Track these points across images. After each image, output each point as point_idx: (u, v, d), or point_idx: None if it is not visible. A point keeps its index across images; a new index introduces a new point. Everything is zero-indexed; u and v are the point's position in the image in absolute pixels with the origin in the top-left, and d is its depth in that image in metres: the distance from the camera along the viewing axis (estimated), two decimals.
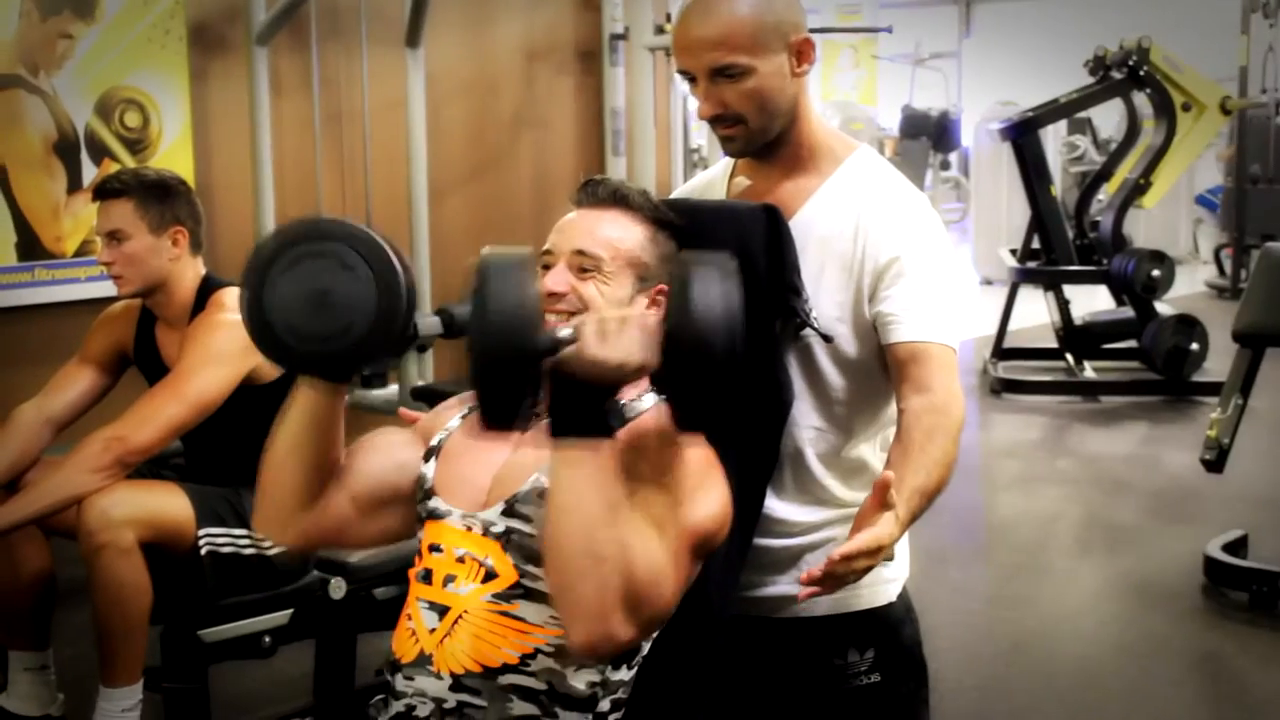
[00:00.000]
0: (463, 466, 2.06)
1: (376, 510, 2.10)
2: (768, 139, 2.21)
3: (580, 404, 1.76)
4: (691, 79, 2.20)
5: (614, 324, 1.74)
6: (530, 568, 1.92)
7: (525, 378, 1.72)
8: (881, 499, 1.90)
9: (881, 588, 2.28)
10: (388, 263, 1.87)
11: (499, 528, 1.96)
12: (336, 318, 1.86)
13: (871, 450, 2.29)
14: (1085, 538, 6.02)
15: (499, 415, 1.75)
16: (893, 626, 2.30)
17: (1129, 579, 5.34)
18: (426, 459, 2.10)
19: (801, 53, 2.19)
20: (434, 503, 2.05)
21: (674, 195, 2.48)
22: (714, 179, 2.41)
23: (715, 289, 1.73)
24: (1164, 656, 4.59)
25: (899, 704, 2.31)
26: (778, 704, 2.34)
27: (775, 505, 2.25)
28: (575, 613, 1.75)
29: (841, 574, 1.88)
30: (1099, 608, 5.14)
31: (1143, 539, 5.86)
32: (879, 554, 1.90)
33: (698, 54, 2.16)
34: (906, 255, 2.16)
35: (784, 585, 2.26)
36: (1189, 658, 4.64)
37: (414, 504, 2.10)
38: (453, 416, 2.15)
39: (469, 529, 1.98)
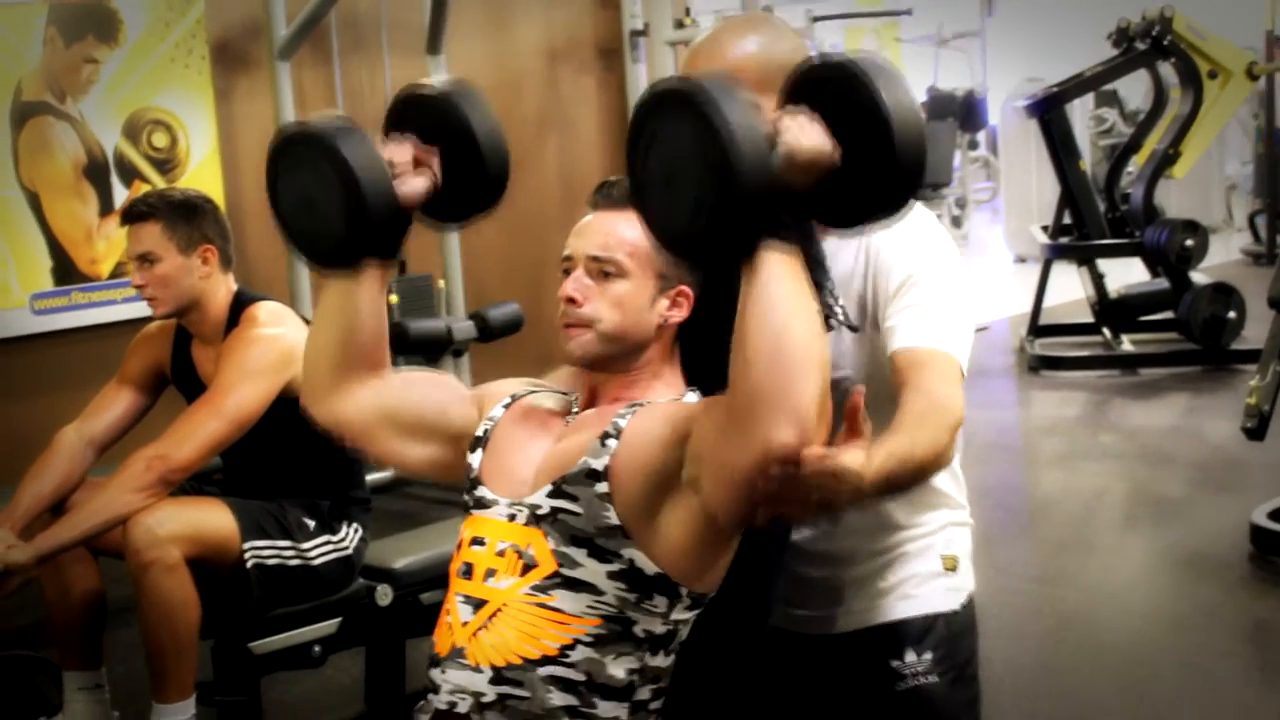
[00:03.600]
0: (509, 456, 2.08)
1: (402, 434, 2.16)
2: None
3: (788, 209, 1.77)
4: None
5: (804, 120, 1.75)
6: (570, 551, 1.94)
7: (767, 185, 1.72)
8: (853, 423, 1.72)
9: (944, 595, 2.28)
10: (344, 164, 1.97)
11: (545, 509, 1.97)
12: (324, 220, 2.03)
13: None
14: (1130, 512, 6.00)
15: (741, 229, 1.75)
16: (954, 635, 2.28)
17: (1176, 551, 5.32)
18: (473, 449, 2.13)
19: None
20: (480, 491, 2.07)
21: None
22: None
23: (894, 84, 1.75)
24: (1214, 627, 4.57)
25: (953, 709, 2.29)
26: (831, 710, 2.34)
27: (835, 539, 2.24)
28: (794, 412, 1.69)
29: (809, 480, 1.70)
30: (1146, 581, 5.13)
31: (1188, 510, 5.84)
32: (841, 480, 1.68)
33: None
34: (915, 273, 2.14)
35: (842, 607, 2.27)
36: (1240, 628, 4.62)
37: (445, 448, 2.16)
38: (496, 405, 2.18)
39: (512, 518, 2.00)
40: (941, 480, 2.27)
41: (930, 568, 2.27)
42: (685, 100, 1.71)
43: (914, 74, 18.34)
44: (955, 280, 2.17)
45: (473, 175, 2.11)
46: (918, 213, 2.24)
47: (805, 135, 1.73)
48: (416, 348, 5.69)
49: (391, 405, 2.16)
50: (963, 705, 2.31)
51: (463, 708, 1.94)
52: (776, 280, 1.73)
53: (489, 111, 2.12)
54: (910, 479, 1.90)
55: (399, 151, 2.07)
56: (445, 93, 2.11)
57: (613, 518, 1.94)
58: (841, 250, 2.19)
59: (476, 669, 1.94)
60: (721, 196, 1.70)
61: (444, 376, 2.30)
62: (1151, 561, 5.32)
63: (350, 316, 2.11)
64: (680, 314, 2.09)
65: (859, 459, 1.68)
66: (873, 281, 2.17)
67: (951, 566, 2.29)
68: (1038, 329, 9.01)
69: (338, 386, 2.14)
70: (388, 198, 2.01)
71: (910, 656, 2.24)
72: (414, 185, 2.07)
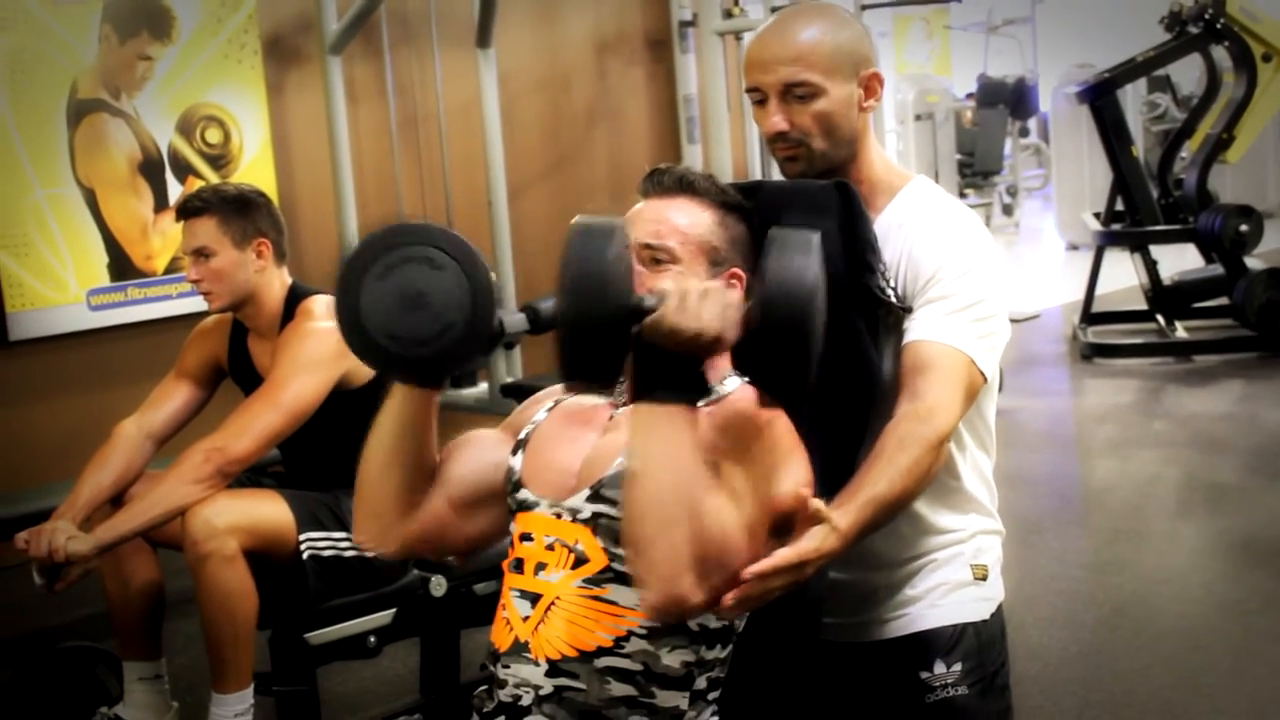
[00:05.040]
0: (549, 457, 2.09)
1: (474, 510, 2.14)
2: (829, 165, 2.22)
3: (661, 369, 1.80)
4: (760, 99, 2.23)
5: (695, 295, 1.78)
6: (620, 550, 1.93)
7: (610, 334, 1.77)
8: (805, 515, 1.83)
9: (973, 605, 2.27)
10: (475, 260, 1.91)
11: (585, 514, 1.98)
12: (434, 319, 1.89)
13: (967, 469, 2.27)
14: (1184, 499, 5.97)
15: (584, 370, 1.80)
16: (983, 645, 2.27)
17: (1231, 538, 5.29)
18: (514, 452, 2.13)
19: (870, 87, 2.22)
20: (523, 494, 2.08)
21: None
22: None
23: (801, 261, 1.80)
24: (1270, 614, 4.53)
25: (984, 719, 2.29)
26: (863, 716, 2.33)
27: (867, 542, 2.24)
28: (649, 573, 1.77)
29: (756, 594, 1.79)
30: (1201, 568, 5.10)
31: (1243, 497, 5.80)
32: (804, 569, 1.82)
33: (772, 69, 2.19)
34: (942, 268, 2.14)
35: (874, 613, 2.27)
36: None
37: (506, 499, 2.13)
38: (539, 410, 2.18)
39: (558, 516, 2.01)
40: (973, 485, 2.28)
41: (960, 576, 2.27)
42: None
43: (964, 61, 18.28)
44: (985, 280, 2.16)
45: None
46: (957, 209, 2.24)
47: (683, 314, 1.77)
48: None
49: (458, 491, 2.12)
50: (993, 716, 2.30)
51: (525, 701, 1.95)
52: (633, 439, 1.81)
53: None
54: (891, 514, 1.98)
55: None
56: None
57: None
58: (891, 235, 2.20)
59: (536, 663, 1.95)
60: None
61: (473, 435, 2.23)
62: (1205, 548, 5.29)
63: (417, 441, 2.05)
64: (738, 292, 2.10)
65: (818, 538, 1.81)
66: (905, 273, 2.18)
67: (982, 576, 2.28)
68: (1090, 316, 8.97)
69: (409, 515, 2.09)
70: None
71: (940, 668, 2.23)
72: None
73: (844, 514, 1.88)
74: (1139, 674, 4.11)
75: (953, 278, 2.13)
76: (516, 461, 2.12)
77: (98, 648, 3.84)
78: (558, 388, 2.20)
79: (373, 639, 3.50)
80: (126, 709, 3.59)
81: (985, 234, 2.23)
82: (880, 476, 1.96)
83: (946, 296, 2.12)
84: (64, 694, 3.76)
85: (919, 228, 2.19)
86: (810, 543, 1.82)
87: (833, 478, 2.07)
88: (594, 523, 1.97)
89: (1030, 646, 4.12)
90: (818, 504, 1.82)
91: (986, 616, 2.28)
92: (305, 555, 3.38)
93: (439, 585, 3.55)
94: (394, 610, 3.52)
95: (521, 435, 2.15)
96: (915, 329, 2.12)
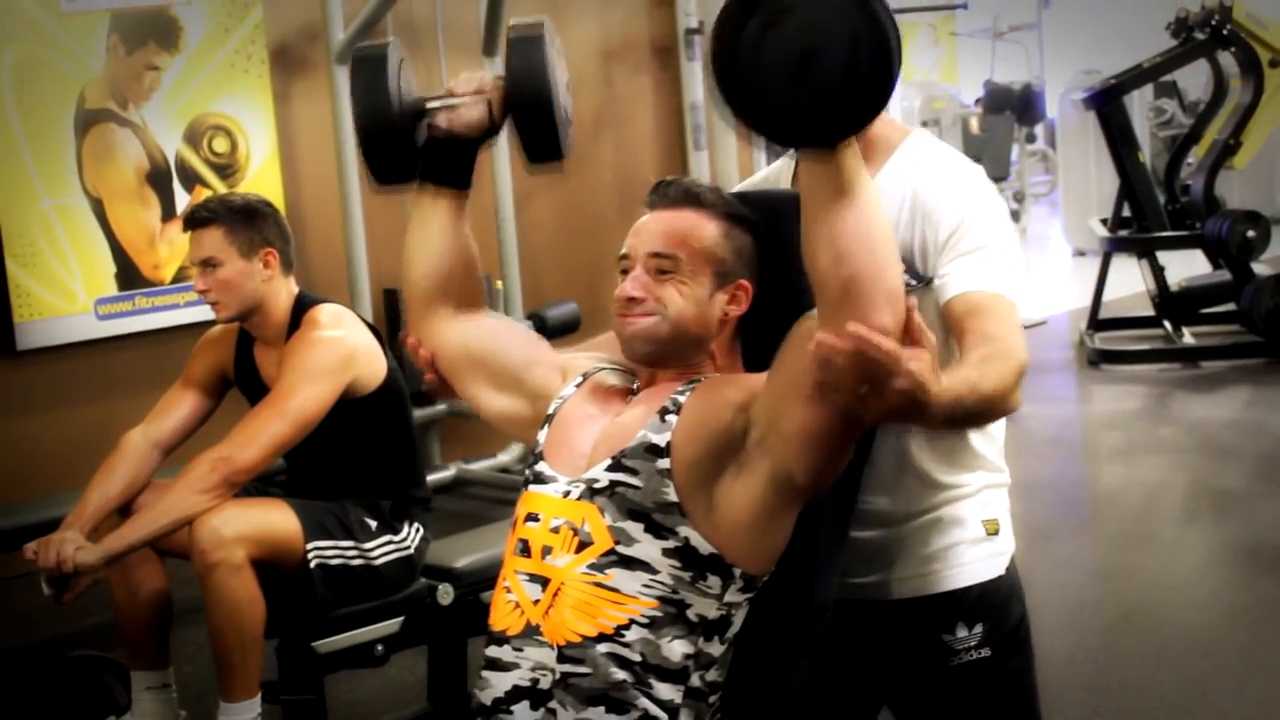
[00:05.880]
0: (572, 431, 2.12)
1: (485, 381, 2.25)
2: None
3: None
4: None
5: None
6: (626, 526, 1.96)
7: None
8: (913, 333, 1.75)
9: (989, 561, 2.28)
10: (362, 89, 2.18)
11: (603, 482, 2.00)
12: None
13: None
14: (1192, 505, 5.96)
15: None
16: (1001, 602, 2.29)
17: (1238, 544, 5.28)
18: (542, 425, 2.17)
19: None
20: (540, 466, 2.11)
21: (736, 189, 2.49)
22: (779, 173, 2.42)
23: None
24: (1277, 621, 4.53)
25: (1008, 680, 2.31)
26: (886, 682, 2.36)
27: (874, 497, 2.25)
28: (890, 294, 1.77)
29: (852, 358, 1.67)
30: (1209, 575, 5.09)
31: (1250, 503, 5.79)
32: (894, 376, 1.68)
33: None
34: (966, 221, 2.14)
35: (890, 573, 2.27)
36: None
37: (521, 403, 2.24)
38: (570, 384, 2.22)
39: (567, 494, 2.03)
40: (977, 441, 2.27)
41: (973, 534, 2.27)
42: None
43: (970, 68, 18.28)
44: (1006, 225, 2.18)
45: (517, 117, 2.19)
46: (962, 160, 2.25)
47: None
48: None
49: (478, 349, 2.25)
50: (1015, 673, 2.32)
51: (544, 684, 1.97)
52: (860, 170, 1.78)
53: (535, 58, 2.16)
54: (977, 410, 1.88)
55: (464, 83, 2.20)
56: (512, 35, 2.19)
57: (672, 494, 1.97)
58: (895, 189, 2.19)
59: (551, 647, 1.97)
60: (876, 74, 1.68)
61: (535, 335, 2.37)
62: (1213, 555, 5.29)
63: (430, 240, 2.24)
64: (739, 308, 2.12)
65: (926, 362, 1.71)
66: (921, 232, 2.17)
67: (994, 530, 2.29)
68: (1098, 323, 8.97)
69: (430, 308, 2.25)
70: (390, 121, 2.14)
71: (962, 631, 2.25)
72: (462, 115, 2.18)
73: (946, 376, 1.78)
74: (1146, 681, 4.11)
75: (979, 228, 2.13)
76: (542, 435, 2.15)
77: (106, 657, 3.84)
78: (587, 359, 2.28)
79: (380, 647, 3.51)
80: (134, 718, 3.59)
81: (989, 183, 2.24)
82: (966, 372, 1.88)
83: (980, 247, 2.12)
84: (72, 703, 3.77)
85: (929, 181, 2.20)
86: (910, 357, 1.69)
87: (840, 488, 2.09)
88: (610, 491, 1.99)
89: (1037, 653, 4.11)
90: (915, 310, 1.77)
91: (1002, 571, 2.30)
92: (312, 564, 3.38)
93: (446, 594, 3.55)
94: (401, 619, 3.53)
95: (550, 410, 2.18)
96: (956, 282, 2.10)
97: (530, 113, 2.15)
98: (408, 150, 2.18)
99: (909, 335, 1.75)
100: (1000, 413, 1.98)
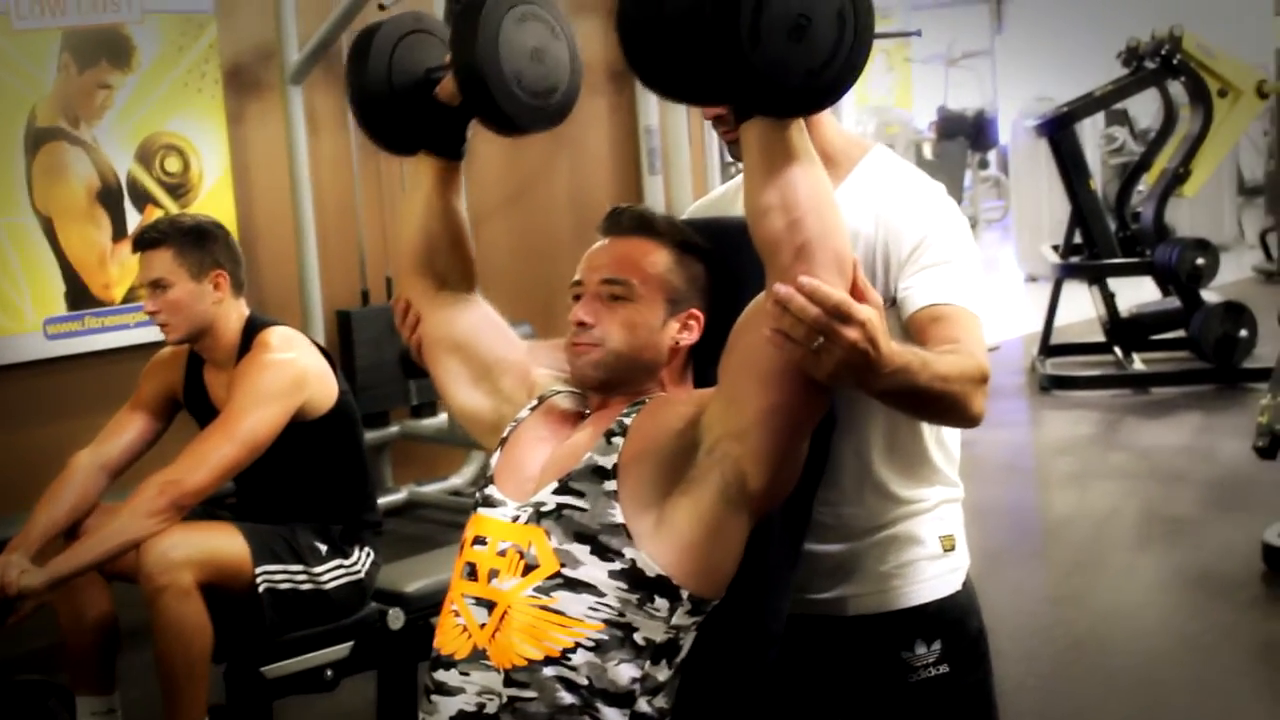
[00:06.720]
0: (520, 456, 2.12)
1: (457, 372, 2.30)
2: None
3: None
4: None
5: None
6: (572, 549, 1.96)
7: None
8: (858, 290, 1.82)
9: (946, 577, 2.29)
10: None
11: (550, 505, 2.00)
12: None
13: (932, 440, 2.27)
14: (1142, 531, 6.00)
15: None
16: (959, 616, 2.30)
17: (1188, 571, 5.31)
18: (496, 448, 2.17)
19: None
20: (490, 490, 2.11)
21: (686, 214, 2.50)
22: (727, 194, 2.43)
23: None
24: (1227, 648, 4.56)
25: (967, 694, 2.31)
26: (845, 701, 2.35)
27: (833, 510, 2.25)
28: (837, 254, 1.86)
29: (798, 307, 1.74)
30: (1159, 601, 5.12)
31: (1200, 530, 5.83)
32: (842, 327, 1.74)
33: None
34: (929, 236, 2.15)
35: (849, 588, 2.27)
36: (1252, 648, 4.61)
37: (486, 402, 2.28)
38: (524, 408, 2.21)
39: (516, 519, 2.03)
40: (936, 455, 2.28)
41: (931, 550, 2.27)
42: None
43: (924, 94, 18.40)
44: (969, 243, 2.19)
45: (460, 88, 2.23)
46: (922, 176, 2.26)
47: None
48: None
49: (461, 334, 2.32)
50: (974, 687, 2.33)
51: (491, 709, 1.96)
52: (806, 136, 1.89)
53: (464, 27, 2.17)
54: (929, 389, 1.89)
55: None
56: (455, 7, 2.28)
57: (618, 515, 1.96)
58: (855, 206, 2.17)
59: (497, 670, 1.96)
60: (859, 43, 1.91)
61: (517, 339, 2.39)
62: (1163, 581, 5.32)
63: (416, 208, 2.32)
64: (691, 337, 2.13)
65: (875, 316, 1.77)
66: (884, 248, 2.18)
67: (950, 546, 2.29)
68: (1049, 348, 9.02)
69: (415, 278, 2.34)
70: (370, 90, 2.26)
71: (920, 649, 2.25)
72: (446, 84, 2.24)
73: (899, 346, 1.83)
74: (1096, 708, 4.12)
75: (942, 243, 2.14)
76: (494, 459, 2.16)
77: (50, 681, 3.81)
78: (546, 376, 2.28)
79: (329, 672, 3.49)
80: None
81: (951, 200, 2.25)
82: (927, 354, 1.91)
83: (943, 262, 2.13)
84: None
85: (892, 197, 2.20)
86: (858, 307, 1.76)
87: (793, 505, 2.09)
88: (556, 514, 1.99)
89: None
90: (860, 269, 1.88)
91: (959, 587, 2.30)
92: (261, 588, 3.36)
93: (396, 618, 3.54)
94: (351, 643, 3.51)
95: (505, 433, 2.18)
96: (920, 295, 2.11)
97: (467, 83, 2.18)
98: (401, 118, 2.27)
99: (855, 295, 1.80)
100: (959, 409, 1.97)
